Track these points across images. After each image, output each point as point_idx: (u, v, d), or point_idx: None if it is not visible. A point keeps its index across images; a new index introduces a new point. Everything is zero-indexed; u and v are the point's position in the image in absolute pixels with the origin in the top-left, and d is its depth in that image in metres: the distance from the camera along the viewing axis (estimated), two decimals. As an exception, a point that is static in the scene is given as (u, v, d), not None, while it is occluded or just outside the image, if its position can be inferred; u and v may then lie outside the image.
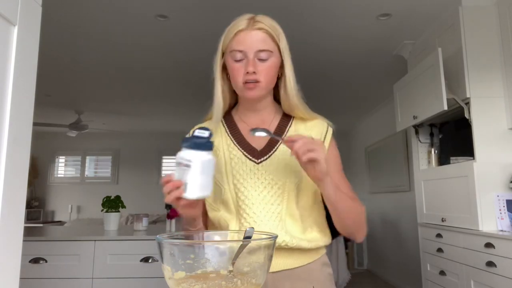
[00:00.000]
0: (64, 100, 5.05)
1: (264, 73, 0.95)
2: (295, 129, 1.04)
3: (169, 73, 3.97)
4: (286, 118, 1.06)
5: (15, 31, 0.70)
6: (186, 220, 0.90)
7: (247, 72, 0.94)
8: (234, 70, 0.96)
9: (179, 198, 0.77)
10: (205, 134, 0.78)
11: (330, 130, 1.05)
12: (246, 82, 0.95)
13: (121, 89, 4.57)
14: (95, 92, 4.70)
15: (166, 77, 4.10)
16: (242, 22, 0.97)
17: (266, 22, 0.97)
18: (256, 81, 0.95)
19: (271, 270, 0.94)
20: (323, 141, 1.02)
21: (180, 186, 0.76)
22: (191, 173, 0.75)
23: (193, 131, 0.80)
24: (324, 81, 4.17)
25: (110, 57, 3.53)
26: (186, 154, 0.76)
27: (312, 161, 0.84)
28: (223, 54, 1.01)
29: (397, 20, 2.79)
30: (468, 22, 2.39)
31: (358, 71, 3.89)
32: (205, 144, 0.76)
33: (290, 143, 0.84)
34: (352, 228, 0.98)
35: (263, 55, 0.95)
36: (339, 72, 3.91)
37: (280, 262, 0.96)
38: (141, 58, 3.55)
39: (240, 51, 0.95)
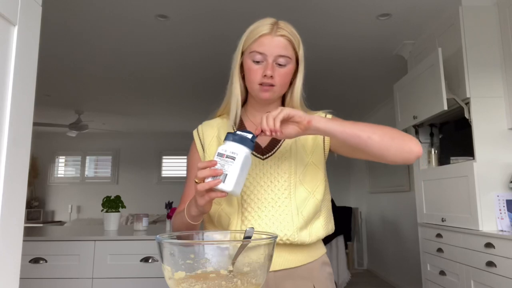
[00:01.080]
0: (64, 100, 5.05)
1: (280, 78, 0.98)
2: None
3: (169, 73, 3.97)
4: None
5: (15, 31, 0.70)
6: (191, 213, 0.89)
7: (265, 75, 0.96)
8: (251, 71, 0.98)
9: (211, 189, 0.78)
10: (249, 134, 0.80)
11: (329, 115, 1.08)
12: (261, 84, 0.98)
13: (121, 89, 4.57)
14: (95, 92, 4.70)
15: (166, 77, 4.10)
16: (265, 26, 0.98)
17: (288, 29, 1.00)
18: (272, 85, 0.98)
19: (272, 268, 0.96)
20: None
21: (219, 175, 0.77)
22: (234, 165, 0.77)
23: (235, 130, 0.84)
24: (324, 81, 4.17)
25: (110, 57, 3.53)
26: (231, 146, 0.78)
27: (286, 117, 0.84)
28: (242, 53, 1.03)
29: (397, 20, 2.79)
30: (468, 22, 2.39)
31: (358, 71, 3.89)
32: (249, 142, 0.79)
33: (260, 129, 0.85)
34: (389, 143, 0.87)
35: (282, 60, 0.98)
36: (339, 72, 3.91)
37: (281, 260, 0.97)
38: (141, 58, 3.55)
39: (261, 53, 0.97)
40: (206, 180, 0.78)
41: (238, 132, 0.80)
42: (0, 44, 0.66)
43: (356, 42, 3.17)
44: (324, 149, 1.05)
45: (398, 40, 3.13)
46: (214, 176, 0.77)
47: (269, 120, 0.83)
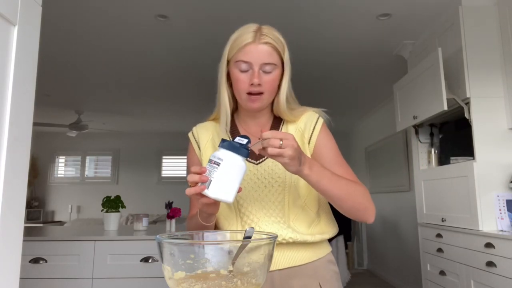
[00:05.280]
0: (64, 100, 5.05)
1: (268, 85, 0.98)
2: (286, 129, 1.07)
3: (169, 73, 3.97)
4: (277, 120, 1.09)
5: (15, 31, 0.70)
6: (201, 215, 0.90)
7: (252, 84, 0.96)
8: (238, 81, 0.98)
9: (200, 194, 0.79)
10: (244, 141, 0.79)
11: (320, 121, 1.06)
12: (249, 93, 0.97)
13: (121, 89, 4.57)
14: (95, 92, 4.70)
15: (166, 77, 4.10)
16: (249, 34, 0.97)
17: (272, 35, 0.99)
18: (260, 93, 0.98)
19: (278, 267, 0.97)
20: (311, 134, 1.04)
21: (204, 181, 0.77)
22: (218, 171, 0.77)
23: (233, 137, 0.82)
24: (324, 81, 4.17)
25: (110, 57, 3.53)
26: (219, 153, 0.78)
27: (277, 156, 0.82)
28: (228, 62, 1.02)
29: (397, 20, 2.79)
30: (468, 22, 2.39)
31: (358, 71, 3.89)
32: (240, 149, 0.78)
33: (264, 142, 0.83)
34: (352, 213, 0.95)
35: (268, 68, 0.97)
36: (339, 72, 3.91)
37: (286, 259, 0.98)
38: (141, 58, 3.55)
39: (246, 62, 0.97)
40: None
41: (236, 139, 0.80)
42: (0, 44, 0.66)
43: (356, 42, 3.17)
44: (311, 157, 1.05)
45: (398, 40, 3.13)
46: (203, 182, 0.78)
47: (273, 141, 0.80)
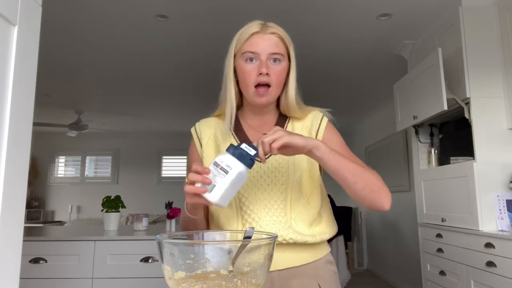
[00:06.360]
0: (64, 100, 5.05)
1: (276, 76, 0.97)
2: (292, 126, 1.07)
3: (169, 73, 3.97)
4: (283, 117, 1.08)
5: (15, 31, 0.70)
6: (187, 206, 0.91)
7: (260, 74, 0.95)
8: (245, 73, 0.97)
9: (198, 194, 0.78)
10: (252, 151, 0.79)
11: (325, 119, 1.06)
12: (258, 85, 0.96)
13: (121, 89, 4.57)
14: (95, 92, 4.70)
15: (166, 77, 4.10)
16: (255, 26, 0.98)
17: (278, 28, 0.99)
18: (267, 85, 0.96)
19: (277, 267, 0.97)
20: (317, 130, 1.04)
21: (207, 184, 0.76)
22: (224, 179, 0.76)
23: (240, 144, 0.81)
24: (324, 81, 4.17)
25: (110, 57, 3.53)
26: (228, 159, 0.77)
27: (283, 146, 0.82)
28: (234, 56, 1.02)
29: (397, 20, 2.79)
30: (468, 22, 2.39)
31: (358, 71, 3.89)
32: (248, 160, 0.78)
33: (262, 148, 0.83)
34: (367, 194, 0.90)
35: (275, 57, 0.97)
36: (339, 72, 3.91)
37: (286, 259, 0.97)
38: (141, 58, 3.55)
39: (253, 52, 0.96)
40: (196, 184, 0.78)
41: (243, 146, 0.79)
42: (0, 44, 0.66)
43: (356, 42, 3.17)
44: None
45: (398, 40, 3.13)
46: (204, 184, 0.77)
47: (265, 147, 0.81)
